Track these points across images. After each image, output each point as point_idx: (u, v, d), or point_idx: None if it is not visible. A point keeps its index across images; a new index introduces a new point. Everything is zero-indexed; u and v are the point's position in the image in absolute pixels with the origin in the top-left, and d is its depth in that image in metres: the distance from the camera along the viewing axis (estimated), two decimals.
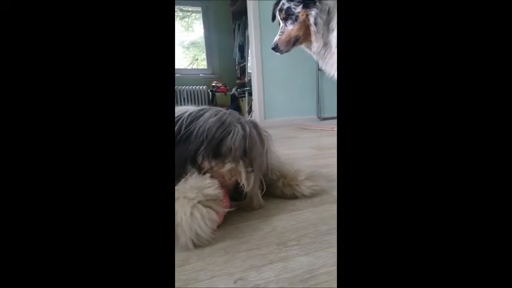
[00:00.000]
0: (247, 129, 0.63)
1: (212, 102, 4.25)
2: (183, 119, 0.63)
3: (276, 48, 1.42)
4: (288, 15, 1.35)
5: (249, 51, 3.23)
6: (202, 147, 0.60)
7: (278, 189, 0.72)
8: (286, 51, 1.43)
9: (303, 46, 1.46)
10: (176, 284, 0.40)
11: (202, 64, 4.71)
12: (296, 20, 1.35)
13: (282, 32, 1.40)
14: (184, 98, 4.20)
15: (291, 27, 1.37)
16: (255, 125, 0.67)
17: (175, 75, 4.18)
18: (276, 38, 1.41)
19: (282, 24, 1.40)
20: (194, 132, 0.61)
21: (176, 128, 0.61)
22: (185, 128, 0.62)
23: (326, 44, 1.34)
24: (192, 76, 4.51)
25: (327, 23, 1.30)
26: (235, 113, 0.68)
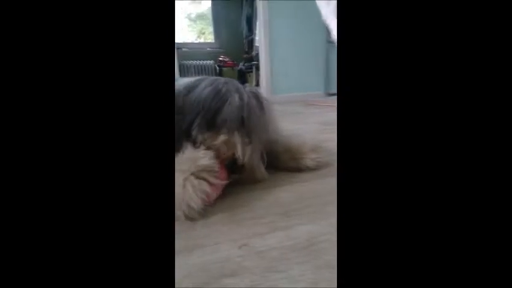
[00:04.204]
0: (245, 98, 0.60)
1: None
2: (179, 91, 0.61)
3: None
4: None
5: (257, 23, 3.14)
6: (197, 120, 0.58)
7: (283, 162, 0.73)
8: None
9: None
10: (180, 248, 0.42)
11: (210, 38, 4.61)
12: None
13: None
14: (192, 74, 4.16)
15: None
16: (255, 95, 0.64)
17: (183, 49, 4.12)
18: None
19: None
20: (189, 104, 0.59)
21: None
22: (181, 100, 0.60)
23: None
24: (199, 50, 4.44)
25: None
26: (235, 82, 0.65)
